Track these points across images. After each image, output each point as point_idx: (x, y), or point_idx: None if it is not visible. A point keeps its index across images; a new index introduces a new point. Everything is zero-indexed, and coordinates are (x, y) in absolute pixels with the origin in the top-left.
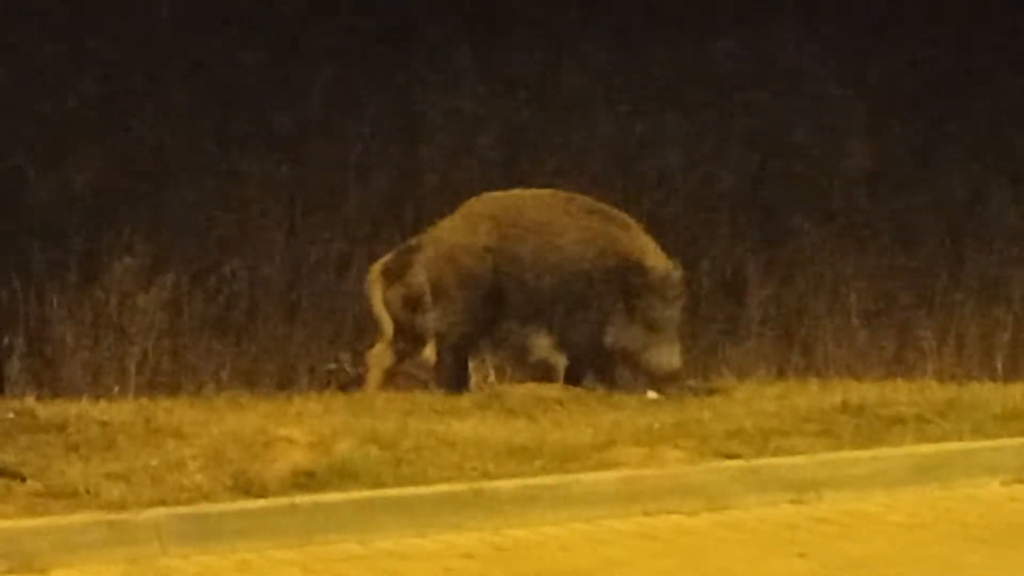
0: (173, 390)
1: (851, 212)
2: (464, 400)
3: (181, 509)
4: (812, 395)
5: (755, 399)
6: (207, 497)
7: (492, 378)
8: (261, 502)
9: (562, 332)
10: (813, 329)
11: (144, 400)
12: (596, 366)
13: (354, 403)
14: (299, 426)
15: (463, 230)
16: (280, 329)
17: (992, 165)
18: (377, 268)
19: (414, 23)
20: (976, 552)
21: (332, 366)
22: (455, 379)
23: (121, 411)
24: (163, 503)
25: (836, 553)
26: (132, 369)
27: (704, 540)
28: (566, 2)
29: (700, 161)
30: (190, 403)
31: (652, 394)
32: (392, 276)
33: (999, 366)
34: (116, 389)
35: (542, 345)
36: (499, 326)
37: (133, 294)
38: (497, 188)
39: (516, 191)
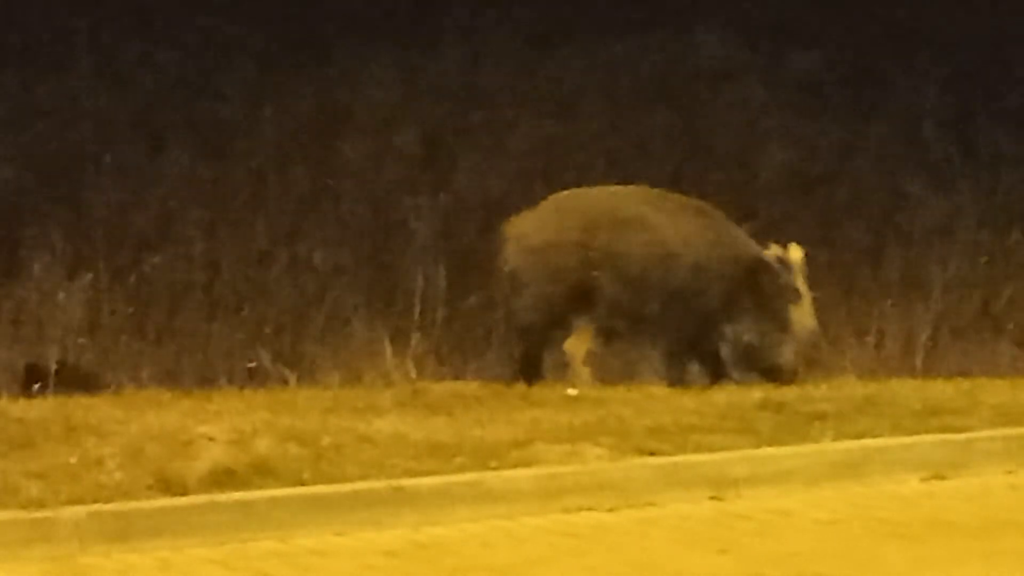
0: (93, 388)
1: (771, 209)
2: (384, 397)
3: (101, 507)
4: (732, 392)
5: (675, 396)
6: (127, 495)
7: (413, 374)
8: (181, 500)
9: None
10: None
11: (63, 398)
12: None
13: (274, 401)
14: (219, 424)
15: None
16: (200, 327)
17: (911, 163)
18: None
19: (334, 23)
20: (895, 548)
21: (252, 364)
22: (530, 370)
23: (40, 409)
24: (83, 501)
25: (756, 549)
26: (52, 367)
27: (624, 537)
28: (484, 3)
29: (620, 159)
30: (110, 401)
31: (572, 391)
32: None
33: (918, 363)
34: (36, 386)
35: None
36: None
37: (53, 292)
38: (417, 186)
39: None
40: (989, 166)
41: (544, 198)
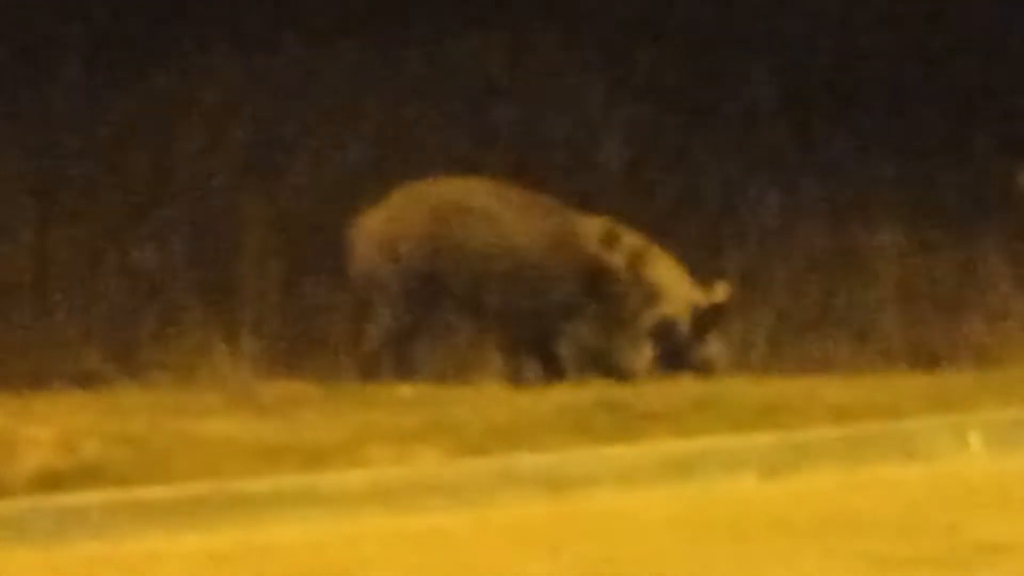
0: None
1: (608, 207)
2: (216, 398)
3: None
4: (568, 391)
5: (510, 395)
6: None
7: (246, 375)
8: (5, 503)
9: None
10: None
11: None
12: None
13: (104, 402)
14: (46, 425)
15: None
16: (29, 326)
17: (749, 160)
18: None
19: (168, 17)
20: (731, 548)
21: (82, 365)
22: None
23: None
24: None
25: (591, 551)
26: None
27: (458, 539)
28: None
29: (459, 155)
30: None
31: (406, 391)
32: None
33: (756, 360)
34: None
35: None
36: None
37: None
38: (252, 183)
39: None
40: (828, 163)
41: (382, 193)
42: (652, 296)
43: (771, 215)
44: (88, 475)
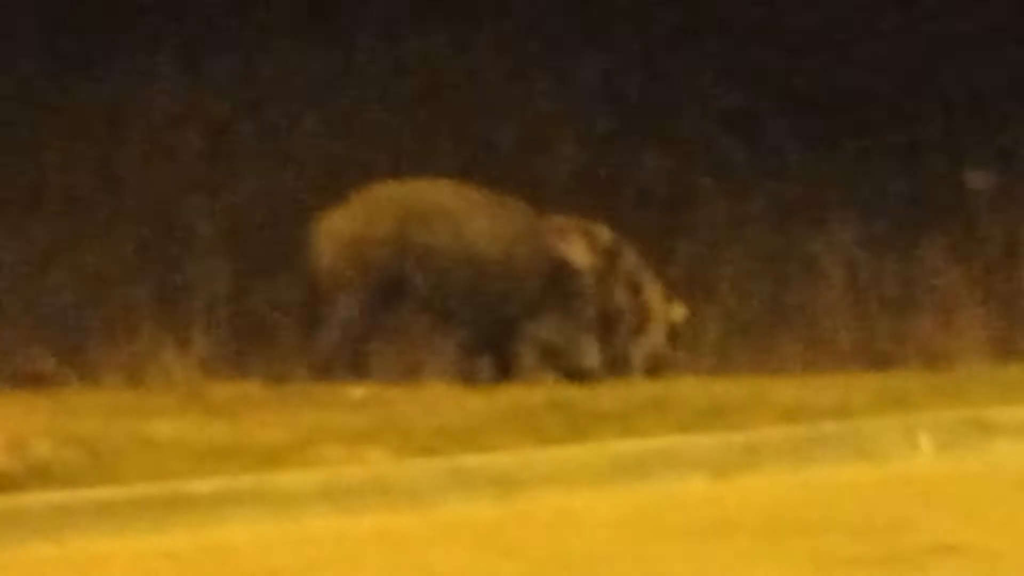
0: None
1: (556, 209)
2: (167, 399)
3: None
4: (518, 391)
5: (460, 396)
6: None
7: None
8: None
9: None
10: None
11: None
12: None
13: (54, 403)
14: None
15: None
16: None
17: (699, 161)
18: None
19: (115, 20)
20: (681, 548)
21: (32, 366)
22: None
23: None
24: None
25: (541, 552)
26: None
27: (408, 540)
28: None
29: (408, 158)
30: None
31: (357, 391)
32: None
33: (705, 361)
34: None
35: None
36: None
37: None
38: (201, 185)
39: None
40: (777, 164)
41: (331, 194)
42: (643, 323)
43: (720, 216)
44: (38, 476)
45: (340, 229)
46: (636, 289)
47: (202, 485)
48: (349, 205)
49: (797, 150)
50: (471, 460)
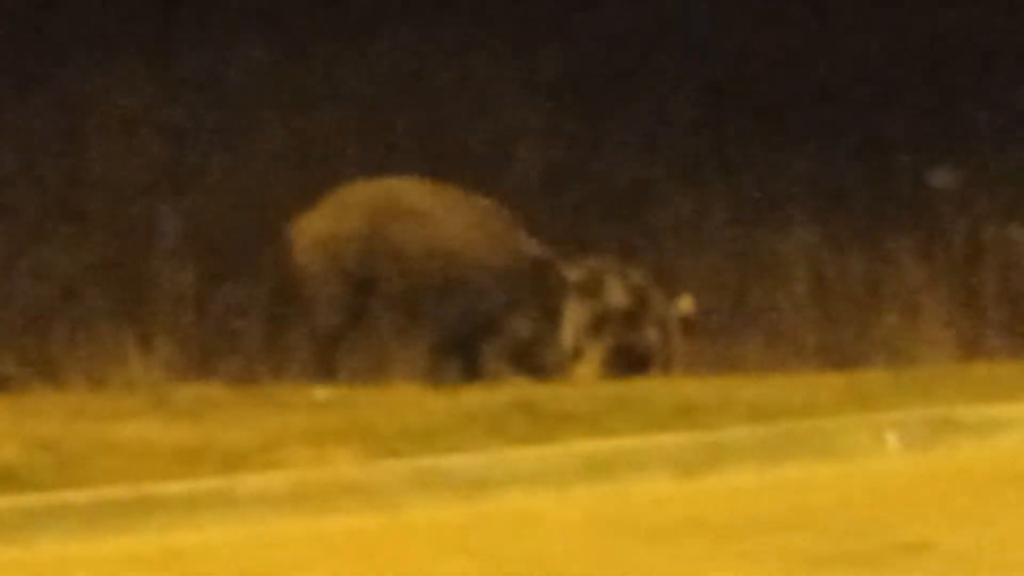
0: None
1: (519, 207)
2: (131, 402)
3: None
4: (482, 392)
5: (425, 397)
6: None
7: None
8: None
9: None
10: None
11: None
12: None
13: (18, 406)
14: None
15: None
16: None
17: (660, 159)
18: None
19: (76, 21)
20: (648, 548)
21: None
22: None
23: None
24: None
25: (507, 553)
26: None
27: (374, 541)
28: (230, 3)
29: (371, 159)
30: None
31: (321, 393)
32: None
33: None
34: None
35: None
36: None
37: None
38: (163, 187)
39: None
40: (738, 162)
41: (295, 197)
42: (669, 359)
43: (683, 214)
44: (3, 480)
45: (314, 229)
46: (664, 327)
47: (168, 488)
48: (323, 205)
49: (760, 148)
50: (438, 461)
